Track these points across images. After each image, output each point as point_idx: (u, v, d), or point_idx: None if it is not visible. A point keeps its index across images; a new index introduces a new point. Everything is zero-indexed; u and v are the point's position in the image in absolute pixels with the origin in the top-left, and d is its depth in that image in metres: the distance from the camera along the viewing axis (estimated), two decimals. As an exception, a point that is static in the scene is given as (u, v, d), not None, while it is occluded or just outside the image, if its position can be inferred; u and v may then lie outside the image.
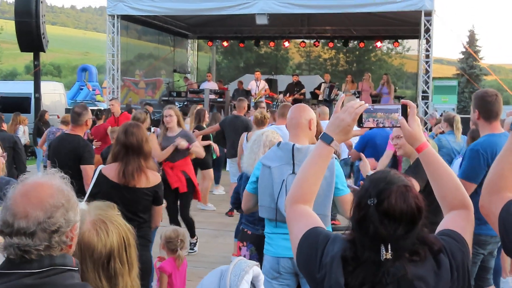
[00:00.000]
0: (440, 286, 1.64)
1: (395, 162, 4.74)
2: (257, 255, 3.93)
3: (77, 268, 1.66)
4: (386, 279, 1.61)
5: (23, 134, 12.74)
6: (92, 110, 7.24)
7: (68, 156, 5.24)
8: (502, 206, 1.83)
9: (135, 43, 18.75)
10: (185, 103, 15.07)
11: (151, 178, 3.93)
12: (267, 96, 15.91)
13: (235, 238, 5.75)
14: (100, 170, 3.94)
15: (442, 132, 7.46)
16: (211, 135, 9.50)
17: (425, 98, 14.01)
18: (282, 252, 3.43)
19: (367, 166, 3.90)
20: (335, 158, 3.43)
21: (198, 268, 5.85)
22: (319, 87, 16.94)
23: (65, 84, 24.13)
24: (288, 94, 16.35)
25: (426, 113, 13.59)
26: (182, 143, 6.20)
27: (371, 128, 2.08)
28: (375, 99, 15.24)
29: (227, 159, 9.31)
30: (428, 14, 13.59)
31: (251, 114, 9.79)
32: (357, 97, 14.90)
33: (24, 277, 1.56)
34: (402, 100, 1.98)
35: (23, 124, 12.99)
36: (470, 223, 1.85)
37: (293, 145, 3.43)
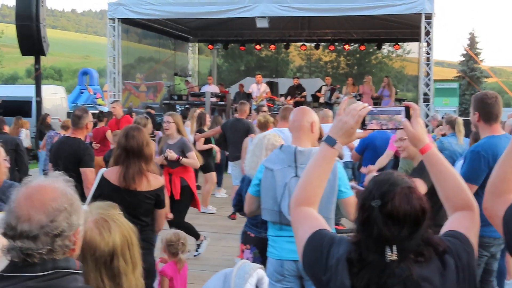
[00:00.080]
0: (446, 287, 1.64)
1: (396, 162, 4.74)
2: (261, 258, 3.91)
3: (80, 271, 1.66)
4: (391, 280, 1.61)
5: (26, 137, 12.74)
6: (94, 113, 7.24)
7: (69, 159, 5.24)
8: (505, 208, 1.83)
9: (135, 47, 18.78)
10: (186, 107, 15.07)
11: (152, 181, 3.92)
12: (269, 99, 15.92)
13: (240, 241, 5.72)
14: (102, 173, 3.95)
15: (444, 134, 7.46)
16: (212, 138, 9.50)
17: (426, 100, 14.02)
18: (286, 254, 3.43)
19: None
20: (338, 161, 3.43)
21: (201, 271, 5.85)
22: (320, 90, 16.98)
23: (66, 87, 24.14)
24: (289, 97, 16.36)
25: (427, 115, 13.59)
26: (171, 155, 6.10)
27: (374, 130, 2.08)
28: (376, 101, 15.22)
29: (229, 162, 9.30)
30: (428, 17, 13.59)
31: (253, 117, 9.78)
32: (358, 100, 14.89)
33: (27, 280, 1.55)
34: (405, 102, 1.99)
35: (24, 127, 13.00)
36: (475, 224, 1.84)
37: (296, 147, 3.43)
